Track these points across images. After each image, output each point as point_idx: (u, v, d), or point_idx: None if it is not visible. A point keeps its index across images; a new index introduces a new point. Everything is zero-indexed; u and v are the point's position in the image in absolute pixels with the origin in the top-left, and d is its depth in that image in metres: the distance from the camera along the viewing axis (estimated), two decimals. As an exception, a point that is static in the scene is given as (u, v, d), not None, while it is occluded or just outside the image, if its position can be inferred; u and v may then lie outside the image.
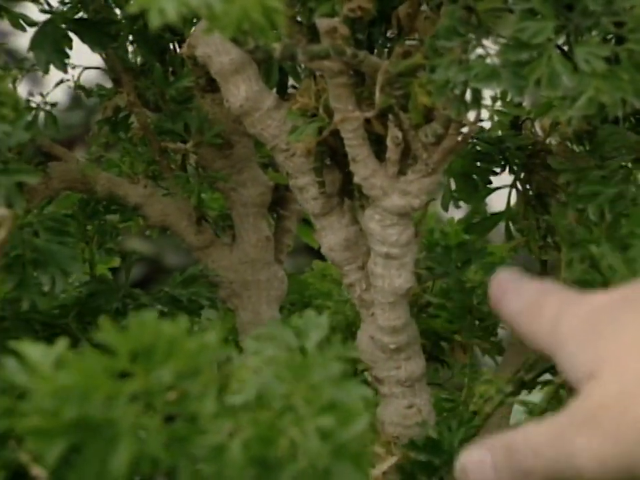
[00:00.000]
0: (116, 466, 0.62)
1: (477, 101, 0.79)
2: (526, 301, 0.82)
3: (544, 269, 0.98)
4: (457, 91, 0.78)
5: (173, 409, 0.64)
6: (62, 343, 0.62)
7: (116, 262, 1.01)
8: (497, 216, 0.99)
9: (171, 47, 0.94)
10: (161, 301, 0.98)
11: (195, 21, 0.90)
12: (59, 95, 1.01)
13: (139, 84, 0.92)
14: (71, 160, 0.90)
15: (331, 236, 0.87)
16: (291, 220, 0.96)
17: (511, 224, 1.00)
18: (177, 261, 1.47)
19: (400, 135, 0.85)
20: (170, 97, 0.92)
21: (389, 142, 0.84)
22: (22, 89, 0.92)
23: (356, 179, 0.85)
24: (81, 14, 0.92)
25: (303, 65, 0.89)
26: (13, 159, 0.81)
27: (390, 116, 0.84)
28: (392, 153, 0.85)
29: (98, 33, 0.90)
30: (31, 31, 0.93)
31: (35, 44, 0.89)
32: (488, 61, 0.77)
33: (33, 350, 0.62)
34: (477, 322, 1.04)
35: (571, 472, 0.77)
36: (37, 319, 0.93)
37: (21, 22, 0.92)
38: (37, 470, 0.70)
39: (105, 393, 0.62)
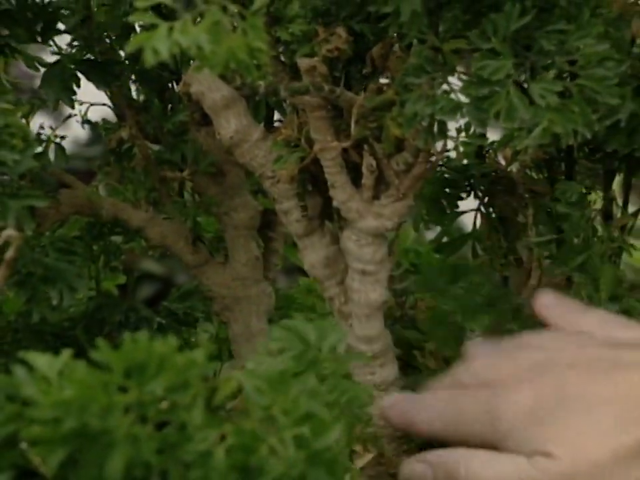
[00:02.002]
0: (112, 471, 0.60)
1: (443, 132, 0.75)
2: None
3: (505, 284, 0.92)
4: (425, 123, 0.74)
5: (164, 418, 0.62)
6: (66, 353, 0.60)
7: (122, 279, 0.97)
8: (465, 237, 0.96)
9: (169, 85, 0.89)
10: (160, 314, 0.96)
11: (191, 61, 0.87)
12: (81, 131, 0.98)
13: (140, 119, 0.89)
14: (79, 187, 0.87)
15: (313, 254, 0.84)
16: (278, 241, 0.92)
17: (477, 244, 0.95)
18: (185, 279, 1.44)
19: (374, 163, 0.81)
20: (168, 130, 0.90)
21: (364, 169, 0.81)
22: (46, 124, 0.90)
23: (335, 203, 0.82)
24: (87, 55, 0.88)
25: (287, 101, 0.83)
26: (24, 185, 0.77)
27: (365, 146, 0.81)
28: (367, 179, 0.82)
29: (103, 72, 0.88)
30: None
31: (45, 82, 0.88)
32: (452, 96, 0.73)
33: (40, 360, 0.60)
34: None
35: None
36: (47, 330, 0.92)
37: (36, 63, 0.89)
38: (46, 470, 0.71)
39: (102, 405, 0.60)
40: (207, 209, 0.94)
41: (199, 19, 0.65)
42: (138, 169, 0.91)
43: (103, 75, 0.88)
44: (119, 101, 0.90)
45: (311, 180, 0.85)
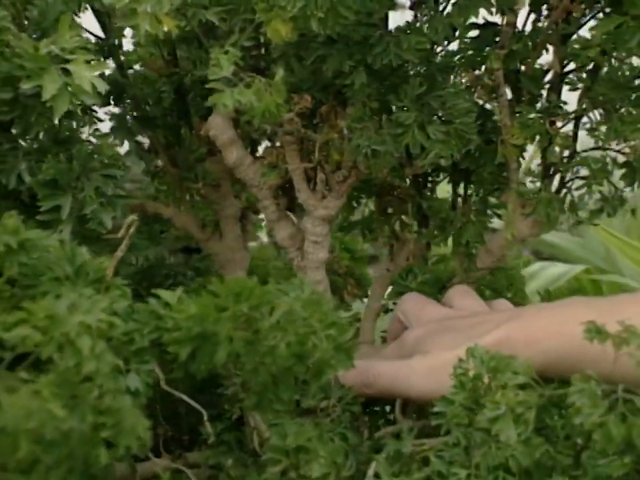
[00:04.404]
0: (219, 358, 0.64)
1: (375, 157, 0.81)
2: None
3: (391, 252, 0.97)
4: (364, 151, 0.80)
5: (246, 326, 0.65)
6: (179, 291, 0.65)
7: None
8: (356, 223, 1.02)
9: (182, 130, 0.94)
10: (189, 268, 1.02)
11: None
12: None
13: (169, 153, 0.93)
14: (135, 195, 0.91)
15: (282, 232, 0.90)
16: (249, 226, 0.98)
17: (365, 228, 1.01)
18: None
19: (324, 176, 0.87)
20: (192, 159, 0.93)
21: (317, 180, 0.88)
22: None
23: (299, 201, 0.89)
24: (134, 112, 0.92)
25: (271, 138, 0.90)
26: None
27: (318, 166, 0.87)
28: (319, 186, 0.88)
29: (147, 122, 0.92)
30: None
31: (114, 129, 0.92)
32: (380, 134, 0.80)
33: (164, 294, 0.65)
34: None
35: (400, 394, 0.82)
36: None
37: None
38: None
39: (213, 318, 0.64)
40: (209, 207, 0.96)
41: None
42: (167, 183, 0.95)
43: (148, 124, 0.92)
44: (154, 140, 0.93)
45: (283, 187, 0.91)
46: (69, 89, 0.73)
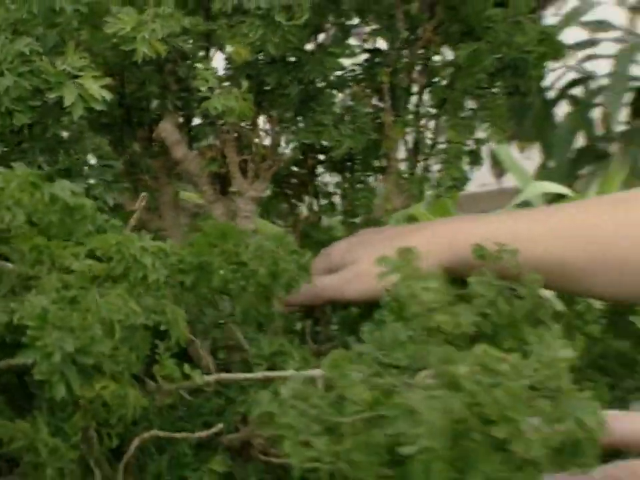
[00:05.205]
0: (215, 282, 0.80)
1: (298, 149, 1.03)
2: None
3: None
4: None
5: (233, 258, 0.80)
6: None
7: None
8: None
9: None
10: None
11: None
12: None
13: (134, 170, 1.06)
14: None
15: (218, 210, 1.06)
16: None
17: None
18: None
19: (254, 166, 1.04)
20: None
21: (249, 169, 1.05)
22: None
23: (233, 186, 1.04)
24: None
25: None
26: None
27: (249, 159, 1.04)
28: (249, 174, 1.05)
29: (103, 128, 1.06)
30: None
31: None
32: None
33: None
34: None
35: (343, 300, 0.94)
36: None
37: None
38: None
39: (207, 253, 0.80)
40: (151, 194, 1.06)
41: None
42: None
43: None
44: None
45: (220, 176, 1.06)
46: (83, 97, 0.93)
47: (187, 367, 0.77)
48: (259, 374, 0.78)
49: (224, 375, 0.80)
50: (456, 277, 0.81)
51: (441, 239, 0.90)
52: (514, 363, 0.55)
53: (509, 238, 0.81)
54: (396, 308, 0.69)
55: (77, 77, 0.91)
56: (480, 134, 1.11)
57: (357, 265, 0.93)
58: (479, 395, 0.53)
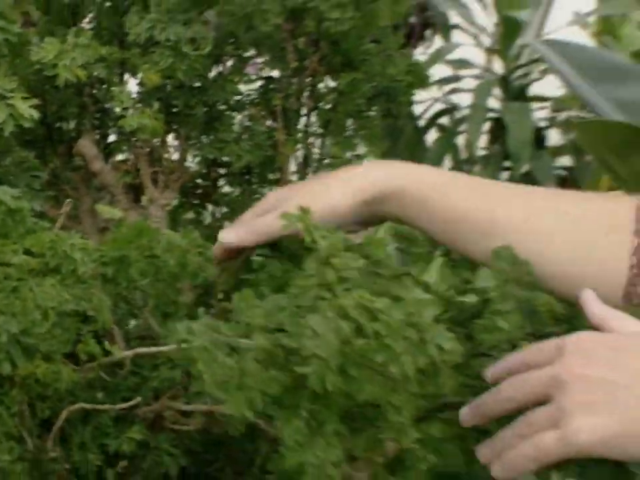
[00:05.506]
0: (131, 274, 0.84)
1: (203, 162, 1.10)
2: None
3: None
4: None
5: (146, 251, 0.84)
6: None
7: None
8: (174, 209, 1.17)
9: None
10: None
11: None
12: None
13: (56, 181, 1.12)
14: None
15: (132, 217, 1.10)
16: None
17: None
18: None
19: (164, 177, 1.11)
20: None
21: (159, 180, 1.11)
22: None
23: (145, 195, 1.10)
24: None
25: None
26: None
27: (160, 171, 1.10)
28: (160, 184, 1.11)
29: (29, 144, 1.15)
30: None
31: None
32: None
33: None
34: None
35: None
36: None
37: None
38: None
39: (125, 247, 0.84)
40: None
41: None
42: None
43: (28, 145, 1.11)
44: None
45: (134, 188, 1.12)
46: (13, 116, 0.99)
47: (106, 344, 0.84)
48: (172, 346, 0.77)
49: (139, 349, 0.86)
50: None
51: (359, 173, 0.89)
52: (386, 303, 0.62)
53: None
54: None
55: (7, 97, 0.98)
56: (360, 150, 1.22)
57: (287, 205, 0.87)
58: (363, 324, 0.60)
